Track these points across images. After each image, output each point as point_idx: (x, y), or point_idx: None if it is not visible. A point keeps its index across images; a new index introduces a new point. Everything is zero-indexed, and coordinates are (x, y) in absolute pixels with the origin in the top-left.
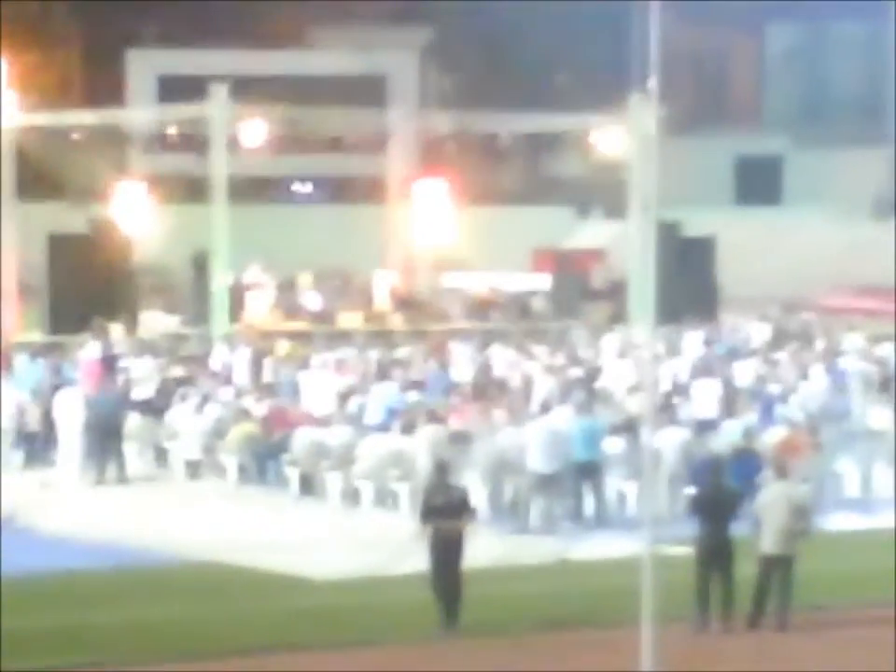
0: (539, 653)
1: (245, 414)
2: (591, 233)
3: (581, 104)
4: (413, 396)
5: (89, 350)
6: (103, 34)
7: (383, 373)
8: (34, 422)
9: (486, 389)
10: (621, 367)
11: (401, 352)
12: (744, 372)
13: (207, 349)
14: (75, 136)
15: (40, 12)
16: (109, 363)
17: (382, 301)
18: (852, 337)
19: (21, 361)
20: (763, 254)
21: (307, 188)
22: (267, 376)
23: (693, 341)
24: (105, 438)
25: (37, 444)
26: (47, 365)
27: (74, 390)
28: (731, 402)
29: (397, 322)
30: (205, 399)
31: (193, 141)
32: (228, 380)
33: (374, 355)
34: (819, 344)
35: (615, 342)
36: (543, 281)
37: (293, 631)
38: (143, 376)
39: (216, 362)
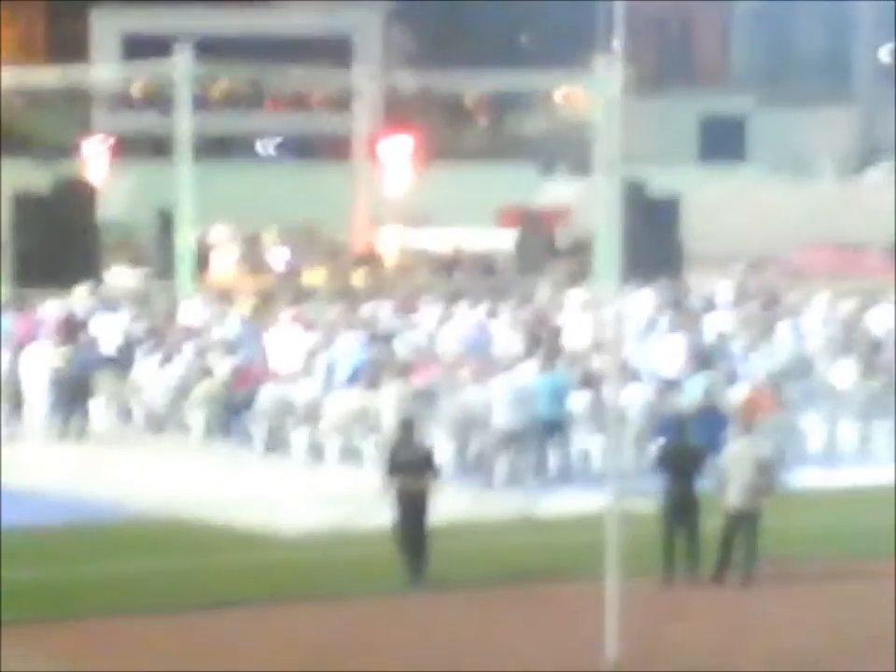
0: (505, 608)
1: (209, 371)
2: (556, 192)
3: (545, 63)
4: (378, 352)
5: (53, 307)
6: None
7: (348, 330)
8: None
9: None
10: (585, 324)
11: (366, 308)
12: (708, 330)
13: (172, 305)
14: (39, 95)
15: None
16: (74, 320)
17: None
18: (817, 295)
19: None
20: (727, 212)
21: (272, 146)
22: (232, 332)
23: (655, 298)
24: (72, 394)
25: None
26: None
27: (39, 346)
28: (695, 359)
29: (361, 279)
30: (170, 355)
31: (157, 99)
32: (192, 336)
33: (339, 311)
34: (784, 302)
35: (579, 299)
36: (508, 239)
37: (258, 585)
38: (107, 332)
39: (180, 318)
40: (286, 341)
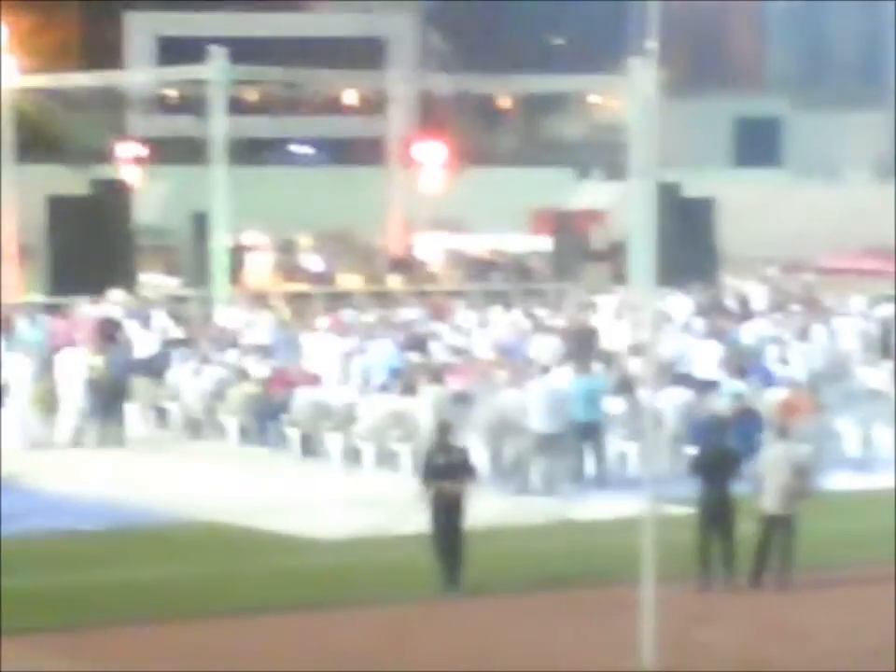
0: (541, 613)
1: (245, 375)
2: (591, 194)
3: (579, 66)
4: (413, 356)
5: (89, 312)
6: None
7: (384, 334)
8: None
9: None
10: (620, 328)
11: (402, 313)
12: (745, 333)
13: (208, 311)
14: (74, 99)
15: None
16: (110, 325)
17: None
18: (852, 298)
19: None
20: (762, 215)
21: (307, 149)
22: (267, 337)
23: (691, 301)
24: (108, 399)
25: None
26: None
27: (75, 351)
28: (732, 363)
29: (396, 283)
30: (206, 359)
31: (193, 103)
32: (228, 341)
33: (375, 316)
34: (820, 305)
35: (615, 302)
36: (543, 242)
37: (295, 590)
38: (143, 337)
39: (216, 323)
40: (321, 345)
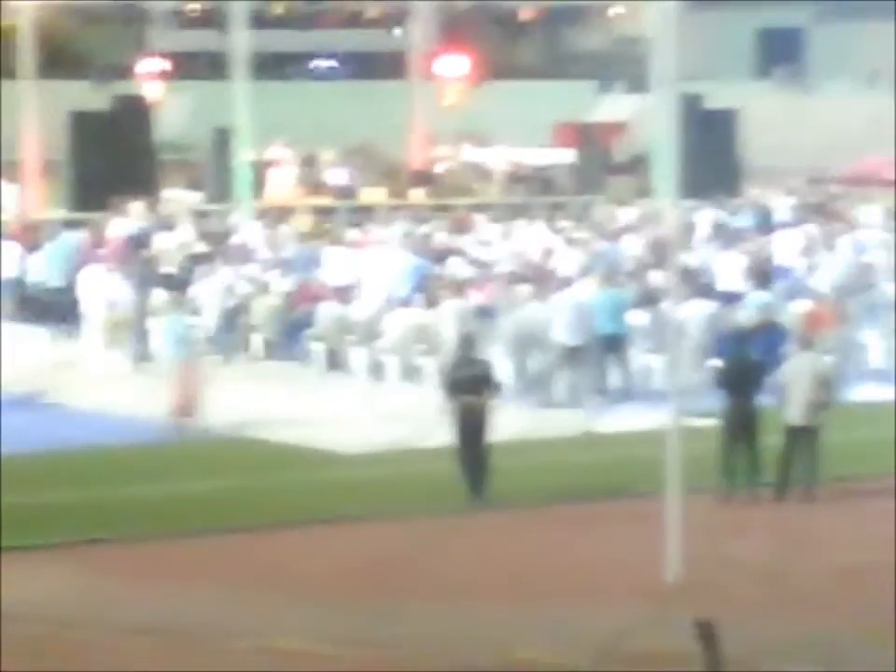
0: (565, 525)
1: (268, 290)
2: (613, 107)
3: None
4: (436, 269)
5: (112, 227)
6: None
7: (407, 248)
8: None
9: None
10: (643, 239)
11: (425, 226)
12: (769, 244)
13: (230, 225)
14: (95, 14)
15: None
16: (133, 240)
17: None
18: (876, 208)
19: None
20: (784, 126)
21: (330, 63)
22: (290, 251)
23: (715, 212)
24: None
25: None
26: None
27: (98, 267)
28: (756, 274)
29: (419, 197)
30: (229, 274)
31: (214, 17)
32: (251, 256)
33: (398, 229)
34: (844, 216)
35: (638, 214)
36: (566, 155)
37: (320, 504)
38: (166, 252)
39: (239, 238)
40: (344, 259)
